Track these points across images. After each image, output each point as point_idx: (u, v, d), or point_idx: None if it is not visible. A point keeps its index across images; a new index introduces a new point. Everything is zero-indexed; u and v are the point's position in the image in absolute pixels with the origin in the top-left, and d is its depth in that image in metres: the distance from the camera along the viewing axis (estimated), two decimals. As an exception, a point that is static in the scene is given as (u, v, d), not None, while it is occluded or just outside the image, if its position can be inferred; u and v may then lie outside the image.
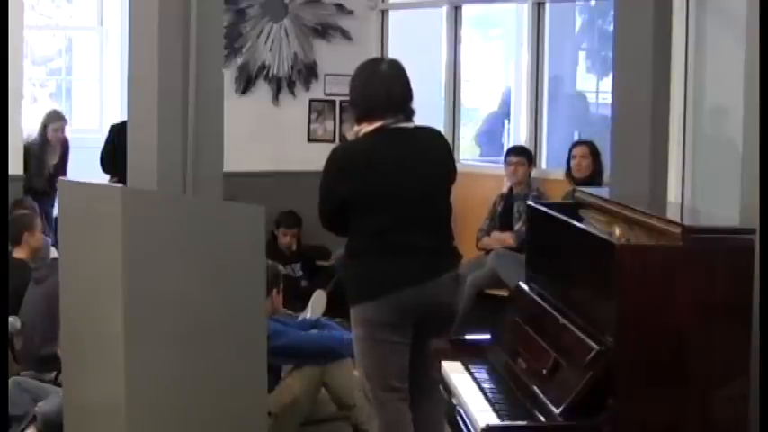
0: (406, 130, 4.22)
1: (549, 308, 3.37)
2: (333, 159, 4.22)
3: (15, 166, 7.40)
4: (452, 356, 3.73)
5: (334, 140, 8.73)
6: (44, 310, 5.55)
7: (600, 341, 2.93)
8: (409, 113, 4.24)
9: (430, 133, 4.36)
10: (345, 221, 4.22)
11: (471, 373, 3.56)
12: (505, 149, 7.87)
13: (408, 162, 4.18)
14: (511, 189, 7.36)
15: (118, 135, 6.73)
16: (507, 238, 7.15)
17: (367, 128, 4.20)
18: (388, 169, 4.16)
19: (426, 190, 4.22)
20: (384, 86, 4.19)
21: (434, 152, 4.31)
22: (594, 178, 6.95)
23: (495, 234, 7.27)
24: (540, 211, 3.76)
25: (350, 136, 4.31)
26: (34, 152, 8.35)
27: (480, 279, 6.98)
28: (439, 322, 4.20)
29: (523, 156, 7.35)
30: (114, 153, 7.25)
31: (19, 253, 6.13)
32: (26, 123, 8.20)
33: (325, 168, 4.23)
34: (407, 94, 4.23)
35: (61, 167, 8.52)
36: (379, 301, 4.14)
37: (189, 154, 4.01)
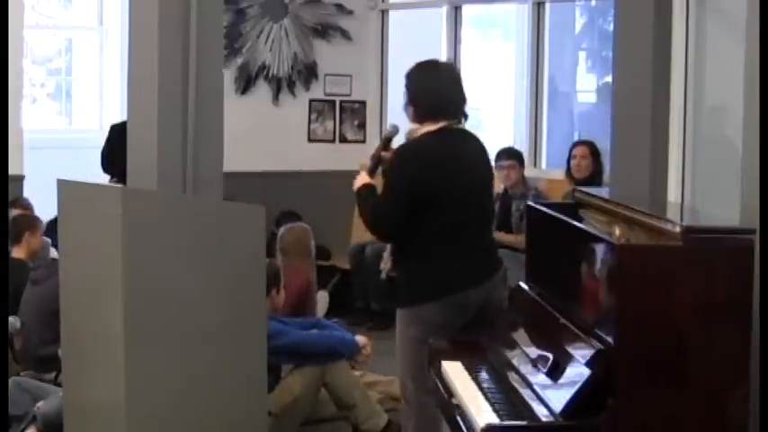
0: (465, 131, 4.38)
1: (549, 308, 3.37)
2: (406, 159, 4.23)
3: (15, 166, 7.38)
4: (452, 356, 3.73)
5: (334, 140, 8.74)
6: (41, 311, 5.55)
7: (600, 341, 2.93)
8: (466, 116, 4.37)
9: (474, 135, 4.48)
10: (407, 223, 4.19)
11: (471, 373, 3.56)
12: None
13: (469, 163, 4.32)
14: (506, 189, 7.36)
15: (118, 135, 6.72)
16: (506, 237, 7.14)
17: (430, 127, 4.24)
18: (455, 169, 4.24)
19: (481, 190, 4.38)
20: (449, 88, 4.30)
21: (484, 154, 4.49)
22: (594, 178, 6.95)
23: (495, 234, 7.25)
24: (540, 210, 3.76)
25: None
26: None
27: (480, 279, 6.96)
28: (487, 321, 4.19)
29: (514, 158, 7.34)
30: (114, 153, 7.24)
31: (18, 252, 6.12)
32: (26, 123, 8.18)
33: (396, 168, 4.21)
34: (465, 96, 4.36)
35: None
36: (443, 302, 4.19)
37: (189, 154, 4.01)
